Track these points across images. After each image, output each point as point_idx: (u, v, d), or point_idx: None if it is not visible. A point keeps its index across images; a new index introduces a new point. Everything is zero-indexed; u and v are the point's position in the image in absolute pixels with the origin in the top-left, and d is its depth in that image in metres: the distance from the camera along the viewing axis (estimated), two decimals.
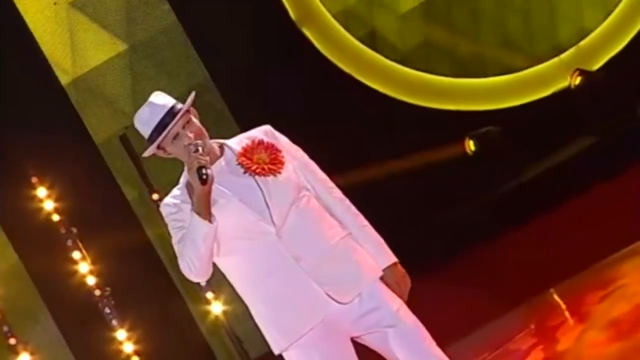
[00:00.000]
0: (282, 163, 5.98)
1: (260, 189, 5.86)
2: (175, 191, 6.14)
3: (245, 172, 5.90)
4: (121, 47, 17.51)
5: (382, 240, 6.03)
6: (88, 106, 16.90)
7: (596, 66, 16.78)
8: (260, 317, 6.02)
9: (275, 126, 6.21)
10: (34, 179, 15.00)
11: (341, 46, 17.41)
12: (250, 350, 15.26)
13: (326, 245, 5.96)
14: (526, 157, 16.25)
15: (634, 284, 10.86)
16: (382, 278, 6.00)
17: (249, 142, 6.08)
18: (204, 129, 6.02)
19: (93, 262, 15.10)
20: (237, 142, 6.09)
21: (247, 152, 6.01)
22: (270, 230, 5.82)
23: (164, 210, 6.16)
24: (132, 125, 6.07)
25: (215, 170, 5.85)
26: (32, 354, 14.78)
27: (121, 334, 14.79)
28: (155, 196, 15.15)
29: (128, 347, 14.90)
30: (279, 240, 5.85)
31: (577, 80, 16.36)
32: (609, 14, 17.36)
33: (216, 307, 15.34)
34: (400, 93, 17.14)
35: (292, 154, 6.15)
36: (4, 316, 15.05)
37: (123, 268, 15.41)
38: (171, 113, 5.89)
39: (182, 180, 6.08)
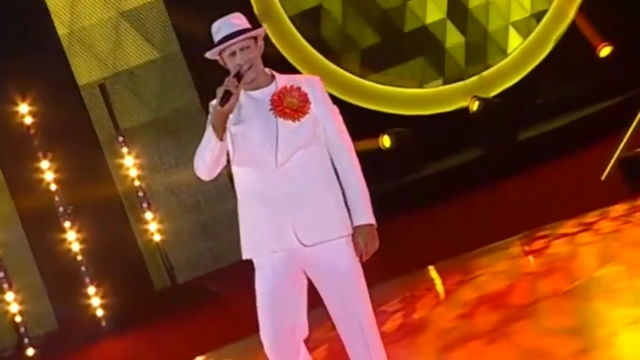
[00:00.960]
0: (305, 113, 6.10)
1: (277, 128, 6.05)
2: (234, 82, 6.19)
3: (271, 110, 6.09)
4: (113, 13, 17.25)
5: (368, 199, 6.19)
6: (76, 55, 16.74)
7: (492, 94, 17.20)
8: (241, 226, 6.26)
9: None
10: (19, 99, 15.46)
11: (293, 44, 17.50)
12: (178, 276, 15.53)
13: (314, 192, 6.16)
14: (427, 157, 16.71)
15: (487, 275, 11.51)
16: (354, 233, 6.17)
17: (290, 84, 6.20)
18: (259, 59, 6.16)
19: (57, 174, 15.67)
20: (285, 80, 6.20)
21: (282, 93, 6.13)
22: (272, 163, 6.02)
23: (211, 109, 6.34)
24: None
25: (257, 96, 6.10)
26: None
27: (71, 235, 15.51)
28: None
29: (75, 247, 15.62)
30: (277, 174, 6.06)
31: (475, 104, 16.74)
32: (507, 55, 17.80)
33: (153, 227, 15.99)
34: (338, 92, 16.76)
35: (324, 108, 6.19)
36: None
37: (83, 185, 15.57)
38: (239, 33, 6.03)
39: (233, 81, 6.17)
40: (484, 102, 17.22)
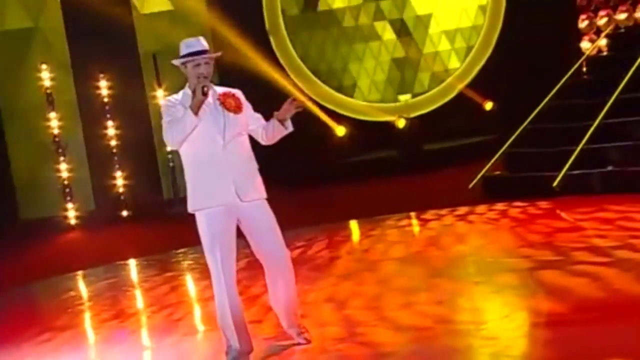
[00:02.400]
0: (240, 109, 6.90)
1: (224, 117, 6.87)
2: (175, 96, 7.03)
3: (220, 105, 6.87)
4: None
5: (282, 132, 7.05)
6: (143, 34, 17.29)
7: (414, 115, 18.02)
8: (189, 185, 7.07)
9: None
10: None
11: (288, 54, 17.97)
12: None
13: (246, 165, 7.02)
14: (362, 149, 17.69)
15: (380, 233, 12.58)
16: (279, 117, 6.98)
17: (227, 91, 6.99)
18: (211, 74, 6.93)
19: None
20: (221, 89, 7.01)
21: (225, 95, 6.90)
22: (220, 141, 6.85)
23: (165, 102, 7.26)
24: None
25: (212, 95, 6.89)
26: None
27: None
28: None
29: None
30: (223, 149, 6.87)
31: (402, 121, 17.78)
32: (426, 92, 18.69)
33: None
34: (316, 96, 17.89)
35: (247, 108, 7.02)
36: None
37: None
38: (204, 52, 6.81)
39: (183, 92, 6.97)
40: (407, 120, 17.77)
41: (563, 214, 11.88)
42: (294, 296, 7.20)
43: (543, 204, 12.38)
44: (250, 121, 7.02)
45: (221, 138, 6.78)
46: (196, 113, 6.66)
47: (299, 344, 7.10)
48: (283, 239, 7.06)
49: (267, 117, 7.09)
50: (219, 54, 7.06)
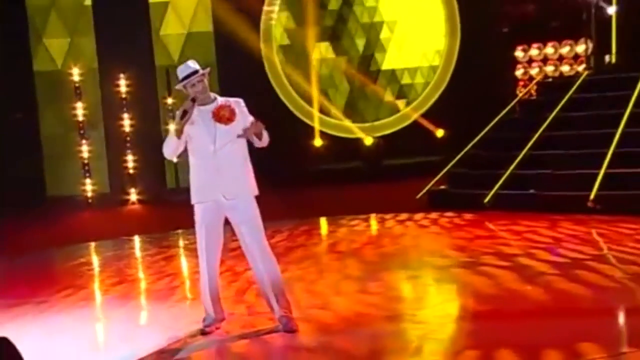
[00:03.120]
0: (232, 120, 6.70)
1: (215, 128, 6.71)
2: (191, 103, 6.73)
3: (212, 118, 6.72)
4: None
5: (265, 136, 6.83)
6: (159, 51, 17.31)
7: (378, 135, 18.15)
8: (191, 184, 6.93)
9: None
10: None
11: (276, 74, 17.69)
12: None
13: (234, 169, 6.84)
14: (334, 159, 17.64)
15: (337, 230, 12.34)
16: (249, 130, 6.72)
17: (224, 102, 6.80)
18: (207, 87, 6.79)
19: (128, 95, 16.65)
20: (221, 100, 6.85)
21: (219, 108, 6.73)
22: (211, 148, 6.71)
23: (178, 112, 6.82)
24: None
25: (204, 109, 6.73)
26: None
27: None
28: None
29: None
30: (214, 154, 6.74)
31: (368, 139, 17.98)
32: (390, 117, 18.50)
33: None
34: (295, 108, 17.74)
35: (243, 117, 6.80)
36: None
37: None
38: (195, 72, 6.69)
39: (190, 102, 6.73)
40: (375, 138, 17.97)
41: (484, 225, 11.86)
42: (277, 280, 7.05)
43: (468, 216, 12.40)
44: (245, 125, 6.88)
45: (212, 146, 6.71)
46: (179, 134, 6.66)
47: (281, 329, 6.94)
48: (263, 232, 6.99)
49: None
50: (208, 69, 6.83)
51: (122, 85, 16.71)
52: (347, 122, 18.32)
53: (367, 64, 18.46)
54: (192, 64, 6.76)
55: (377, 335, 6.81)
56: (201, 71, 6.73)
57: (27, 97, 17.52)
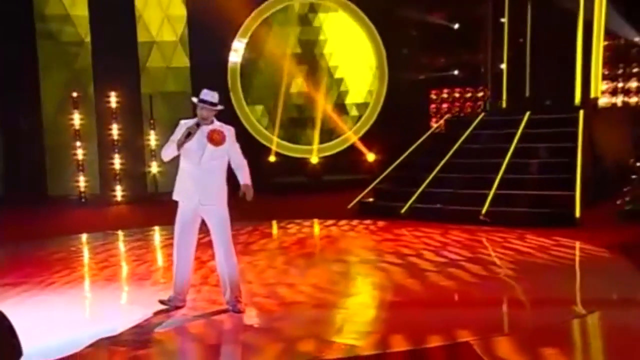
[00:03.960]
0: (221, 144, 6.67)
1: (205, 147, 6.66)
2: (187, 121, 6.81)
3: (206, 137, 6.64)
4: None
5: (249, 176, 6.92)
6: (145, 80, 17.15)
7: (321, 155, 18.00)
8: (177, 182, 6.92)
9: None
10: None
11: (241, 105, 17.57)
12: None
13: (213, 181, 6.81)
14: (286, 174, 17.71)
15: (285, 230, 12.26)
16: (242, 187, 6.85)
17: (218, 127, 6.74)
18: (211, 116, 6.75)
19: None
20: (218, 125, 6.80)
21: (212, 132, 6.67)
22: (197, 161, 6.69)
23: (179, 124, 6.88)
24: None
25: (202, 129, 6.67)
26: None
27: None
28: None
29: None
30: (199, 166, 6.71)
31: (316, 158, 17.90)
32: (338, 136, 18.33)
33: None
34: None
35: (232, 144, 6.82)
36: None
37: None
38: (211, 103, 6.69)
39: (190, 122, 6.74)
40: (320, 158, 17.88)
41: (393, 231, 11.85)
42: (236, 274, 7.00)
43: (381, 223, 12.43)
44: (230, 154, 6.84)
45: (199, 160, 6.69)
46: (179, 148, 6.66)
47: (230, 311, 6.93)
48: (230, 234, 6.96)
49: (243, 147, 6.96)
50: (219, 107, 6.79)
51: (112, 101, 16.36)
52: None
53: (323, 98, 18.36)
54: (215, 97, 6.77)
55: (309, 319, 6.90)
56: (216, 106, 6.76)
57: (35, 113, 17.27)
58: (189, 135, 6.61)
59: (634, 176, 9.53)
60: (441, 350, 5.85)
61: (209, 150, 6.70)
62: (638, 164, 9.53)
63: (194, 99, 6.77)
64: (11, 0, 16.33)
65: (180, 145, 6.67)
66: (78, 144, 16.53)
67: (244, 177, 6.92)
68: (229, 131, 6.81)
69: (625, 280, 8.28)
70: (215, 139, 6.66)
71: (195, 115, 6.81)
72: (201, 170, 6.75)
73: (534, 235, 10.94)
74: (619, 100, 15.37)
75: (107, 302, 7.84)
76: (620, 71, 15.62)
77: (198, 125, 6.65)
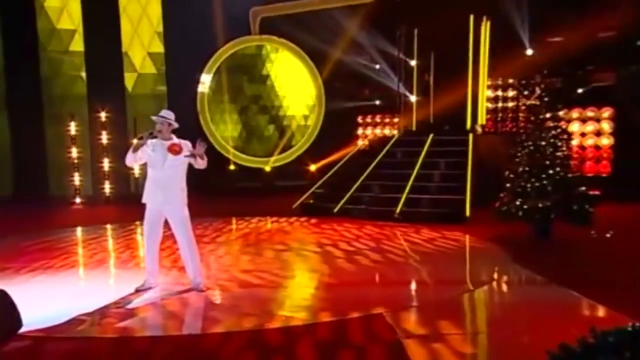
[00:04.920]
0: (179, 153, 6.54)
1: (165, 156, 6.56)
2: (148, 135, 6.62)
3: (166, 149, 6.55)
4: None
5: (203, 162, 6.56)
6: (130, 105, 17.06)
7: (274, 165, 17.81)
8: (145, 187, 6.77)
9: None
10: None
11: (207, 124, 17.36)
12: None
13: (173, 185, 6.67)
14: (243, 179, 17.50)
15: (243, 225, 11.71)
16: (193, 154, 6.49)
17: (176, 141, 6.64)
18: (168, 131, 6.63)
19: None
20: (176, 140, 6.68)
21: (172, 145, 6.57)
22: (160, 167, 6.59)
23: (141, 135, 6.71)
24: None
25: (164, 143, 6.56)
26: None
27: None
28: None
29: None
30: (161, 172, 6.60)
31: (268, 167, 17.80)
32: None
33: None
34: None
35: (187, 149, 6.61)
36: None
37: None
38: (163, 116, 6.60)
39: (147, 134, 6.60)
40: (273, 167, 17.68)
41: (321, 226, 11.70)
42: (197, 261, 6.92)
43: (314, 220, 12.33)
44: (186, 160, 6.66)
45: (161, 166, 6.61)
46: (134, 151, 6.56)
47: (195, 290, 6.87)
48: (190, 228, 6.82)
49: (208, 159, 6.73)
50: (174, 124, 6.67)
51: (103, 139, 16.06)
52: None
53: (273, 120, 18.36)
54: (169, 114, 6.70)
55: (257, 296, 6.85)
56: (169, 120, 6.66)
57: (37, 129, 16.91)
58: (141, 138, 6.55)
59: (507, 185, 9.76)
60: (359, 320, 5.87)
61: (169, 159, 6.60)
62: (511, 176, 9.78)
63: (153, 117, 6.68)
64: (22, 39, 16.12)
65: (135, 148, 6.57)
66: (74, 149, 16.07)
67: (201, 163, 6.70)
68: (185, 145, 6.69)
69: (501, 264, 8.37)
70: (174, 150, 6.58)
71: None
72: (163, 175, 6.65)
73: (432, 229, 10.99)
74: (498, 126, 15.71)
75: (96, 282, 7.74)
76: (498, 105, 15.80)
77: (151, 134, 6.57)
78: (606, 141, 14.60)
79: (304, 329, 5.70)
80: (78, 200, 15.85)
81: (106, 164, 15.98)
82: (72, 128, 15.87)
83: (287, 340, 5.34)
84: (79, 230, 11.97)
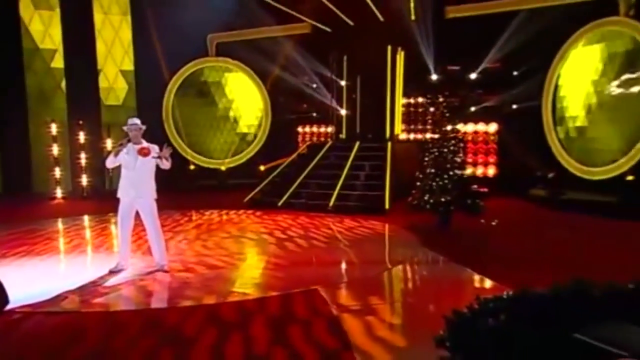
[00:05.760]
0: (147, 155, 6.46)
1: (137, 157, 6.47)
2: (125, 142, 6.52)
3: (137, 152, 6.46)
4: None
5: (168, 163, 6.48)
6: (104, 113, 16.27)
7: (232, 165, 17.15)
8: (119, 184, 6.64)
9: None
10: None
11: (171, 129, 16.97)
12: None
13: (143, 181, 6.56)
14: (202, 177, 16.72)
15: (186, 217, 11.36)
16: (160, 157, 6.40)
17: (145, 145, 6.53)
18: (139, 135, 6.53)
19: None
20: (145, 144, 6.56)
21: (141, 148, 6.48)
22: (132, 167, 6.48)
23: (120, 142, 6.61)
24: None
25: (135, 147, 6.49)
26: None
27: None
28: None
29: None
30: (133, 170, 6.50)
31: (223, 167, 17.15)
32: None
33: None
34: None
35: (155, 152, 6.55)
36: None
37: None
38: (134, 123, 6.53)
39: (125, 140, 6.51)
40: (228, 168, 17.07)
41: (263, 217, 11.43)
42: (163, 247, 6.83)
43: (259, 212, 11.97)
44: (154, 161, 6.56)
45: (133, 167, 6.51)
46: (115, 155, 6.48)
47: (160, 270, 6.77)
48: (158, 219, 6.72)
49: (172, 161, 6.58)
50: (143, 127, 6.59)
51: (81, 138, 15.36)
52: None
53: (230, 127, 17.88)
54: (137, 120, 6.59)
55: (223, 277, 6.74)
56: (139, 126, 6.57)
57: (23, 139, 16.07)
58: (120, 145, 6.45)
59: (418, 183, 9.98)
60: (299, 295, 5.82)
61: (140, 160, 6.50)
62: (420, 176, 10.00)
63: (124, 127, 6.54)
64: (9, 57, 15.36)
65: (116, 153, 6.46)
66: (54, 145, 15.23)
67: (165, 165, 6.62)
68: (152, 148, 6.60)
69: (413, 247, 8.39)
70: (143, 152, 6.49)
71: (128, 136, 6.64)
72: (135, 174, 6.53)
73: (358, 219, 10.87)
74: (411, 136, 15.69)
75: (75, 265, 7.50)
76: (410, 118, 15.95)
77: (129, 140, 6.46)
78: (492, 148, 14.89)
79: (254, 302, 5.64)
80: (59, 193, 15.11)
81: (83, 159, 15.31)
82: (53, 129, 15.21)
83: (242, 314, 5.28)
84: (59, 221, 11.43)
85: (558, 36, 12.46)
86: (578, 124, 12.65)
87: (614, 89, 11.65)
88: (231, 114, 17.80)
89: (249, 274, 7.09)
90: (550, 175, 12.61)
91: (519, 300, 2.23)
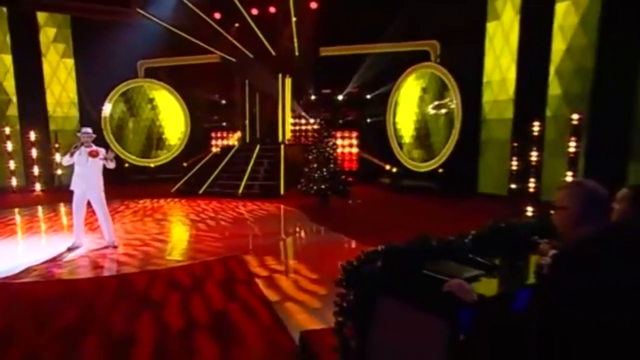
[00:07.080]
0: (96, 157, 6.14)
1: (88, 158, 6.13)
2: (77, 145, 6.15)
3: (88, 153, 6.13)
4: None
5: (112, 164, 6.18)
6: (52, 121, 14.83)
7: (159, 163, 16.12)
8: (72, 178, 6.21)
9: None
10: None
11: (109, 134, 15.63)
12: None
13: (92, 176, 6.21)
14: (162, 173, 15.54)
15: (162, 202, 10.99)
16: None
17: (94, 148, 6.21)
18: (89, 141, 6.16)
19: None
20: (95, 147, 6.21)
21: (91, 150, 6.16)
22: (84, 165, 6.13)
23: (74, 145, 6.13)
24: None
25: (87, 149, 6.14)
26: None
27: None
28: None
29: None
30: (85, 167, 6.14)
31: (152, 165, 15.78)
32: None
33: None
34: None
35: (102, 154, 6.22)
36: None
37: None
38: (87, 134, 6.20)
39: (77, 144, 6.15)
40: (157, 165, 15.74)
41: (185, 203, 10.79)
42: (111, 227, 6.53)
43: (184, 201, 11.12)
44: (102, 162, 6.22)
45: (85, 165, 6.18)
46: (71, 156, 6.15)
47: (110, 247, 6.48)
48: (106, 207, 6.36)
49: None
50: (94, 135, 6.24)
51: (32, 136, 13.92)
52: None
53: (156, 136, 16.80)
54: (89, 129, 6.29)
55: (156, 248, 6.49)
56: (90, 134, 6.27)
57: None
58: (75, 148, 6.13)
59: (304, 174, 10.17)
60: (218, 261, 5.66)
61: (90, 160, 6.19)
62: (306, 169, 10.24)
63: (78, 134, 6.28)
64: None
65: (71, 154, 6.12)
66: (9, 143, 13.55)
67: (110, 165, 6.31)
68: (100, 151, 6.29)
69: (302, 222, 8.37)
70: (93, 154, 6.19)
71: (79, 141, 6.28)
72: (86, 171, 6.19)
73: (259, 202, 10.59)
74: (299, 140, 15.80)
75: (33, 244, 6.92)
76: (297, 127, 15.95)
77: (82, 144, 6.14)
78: (355, 150, 15.38)
79: (184, 267, 5.49)
80: (14, 182, 13.39)
81: (34, 152, 13.74)
82: (7, 130, 13.56)
83: (172, 275, 5.16)
84: (15, 210, 10.22)
85: (396, 72, 13.15)
86: (409, 133, 13.44)
87: (429, 110, 12.54)
88: (158, 123, 16.88)
89: (180, 245, 6.80)
90: (393, 168, 13.16)
91: (388, 252, 2.32)
